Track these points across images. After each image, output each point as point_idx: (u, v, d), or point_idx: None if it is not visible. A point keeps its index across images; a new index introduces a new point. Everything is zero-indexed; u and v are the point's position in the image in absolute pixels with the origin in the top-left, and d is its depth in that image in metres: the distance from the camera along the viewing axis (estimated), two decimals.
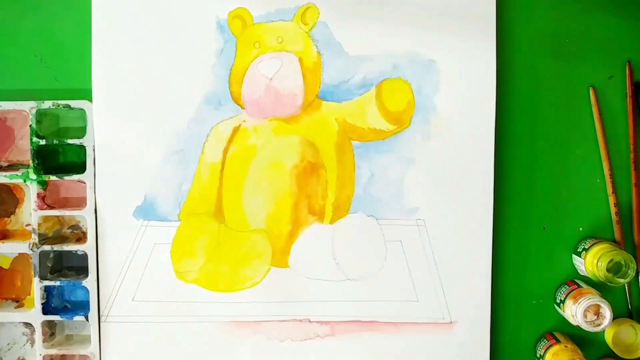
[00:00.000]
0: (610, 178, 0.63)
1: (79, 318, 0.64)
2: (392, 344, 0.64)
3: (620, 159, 0.63)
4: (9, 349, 0.66)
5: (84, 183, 0.63)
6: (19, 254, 0.66)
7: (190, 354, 0.64)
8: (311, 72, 0.63)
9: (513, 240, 0.64)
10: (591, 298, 0.59)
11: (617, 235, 0.63)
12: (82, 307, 0.65)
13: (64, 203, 0.66)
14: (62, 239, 0.66)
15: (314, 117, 0.63)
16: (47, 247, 0.64)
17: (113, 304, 0.64)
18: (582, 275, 0.63)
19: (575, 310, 0.59)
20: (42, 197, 0.64)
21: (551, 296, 0.64)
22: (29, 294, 0.66)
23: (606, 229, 0.64)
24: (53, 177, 0.64)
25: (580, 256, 0.62)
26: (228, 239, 0.64)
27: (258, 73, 0.63)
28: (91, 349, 0.64)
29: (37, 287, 0.64)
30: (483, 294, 0.63)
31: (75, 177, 0.63)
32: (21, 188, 0.66)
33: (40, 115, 0.64)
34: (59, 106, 0.63)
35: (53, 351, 0.65)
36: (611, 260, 0.59)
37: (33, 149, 0.63)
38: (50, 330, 0.65)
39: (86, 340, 0.65)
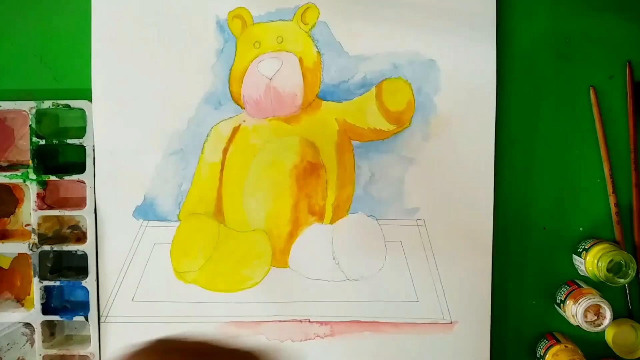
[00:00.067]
0: (610, 178, 0.63)
1: (78, 318, 0.64)
2: (392, 344, 0.64)
3: (620, 159, 0.63)
4: (8, 349, 0.66)
5: (84, 183, 0.63)
6: (19, 254, 0.66)
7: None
8: (311, 72, 0.63)
9: (513, 240, 0.64)
10: (591, 298, 0.59)
11: (617, 235, 0.63)
12: (81, 307, 0.65)
13: (64, 203, 0.66)
14: (61, 239, 0.66)
15: (313, 117, 0.63)
16: (46, 247, 0.64)
17: (113, 304, 0.64)
18: (582, 275, 0.63)
19: (576, 311, 0.59)
20: (41, 197, 0.64)
21: (551, 296, 0.64)
22: (29, 294, 0.66)
23: (606, 229, 0.64)
24: (53, 177, 0.64)
25: (580, 256, 0.62)
26: (228, 239, 0.64)
27: (258, 73, 0.63)
28: (91, 349, 0.64)
29: (36, 287, 0.64)
30: (483, 294, 0.63)
31: (75, 177, 0.63)
32: (21, 188, 0.66)
33: (40, 115, 0.64)
34: (58, 106, 0.63)
35: (53, 351, 0.65)
36: (611, 260, 0.59)
37: (33, 149, 0.63)
38: (50, 330, 0.65)
39: (86, 340, 0.65)
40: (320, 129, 0.63)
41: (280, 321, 0.64)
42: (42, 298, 0.64)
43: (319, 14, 0.63)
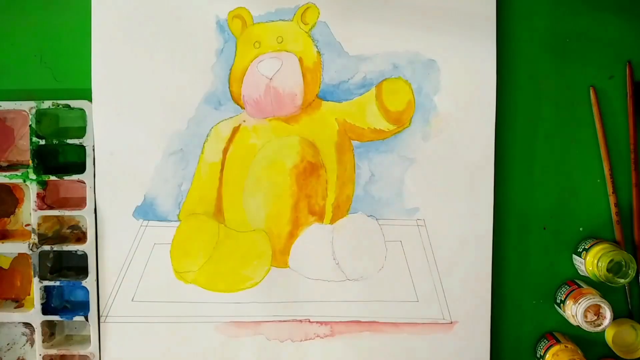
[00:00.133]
0: (610, 178, 0.63)
1: (78, 318, 0.64)
2: (392, 344, 0.64)
3: (620, 159, 0.63)
4: (8, 349, 0.66)
5: (84, 183, 0.63)
6: (19, 254, 0.66)
7: (190, 355, 0.64)
8: (311, 72, 0.63)
9: (513, 240, 0.64)
10: (591, 298, 0.59)
11: (617, 235, 0.63)
12: (81, 307, 0.65)
13: (64, 203, 0.66)
14: (61, 239, 0.66)
15: (313, 117, 0.63)
16: (46, 247, 0.64)
17: (113, 304, 0.64)
18: (582, 275, 0.63)
19: (576, 311, 0.59)
20: (41, 197, 0.64)
21: (551, 296, 0.64)
22: (29, 294, 0.66)
23: (606, 229, 0.64)
24: (53, 177, 0.64)
25: (580, 256, 0.62)
26: (228, 239, 0.64)
27: (258, 73, 0.63)
28: (91, 349, 0.64)
29: (36, 287, 0.64)
30: (483, 294, 0.63)
31: (75, 177, 0.63)
32: (21, 188, 0.66)
33: (40, 115, 0.64)
34: (58, 106, 0.63)
35: (53, 351, 0.65)
36: (611, 260, 0.59)
37: (33, 149, 0.63)
38: (50, 330, 0.65)
39: (86, 340, 0.65)
40: (320, 129, 0.63)
41: (280, 321, 0.64)
42: (42, 298, 0.64)
43: (319, 14, 0.63)
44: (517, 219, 0.64)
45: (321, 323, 0.64)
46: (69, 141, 0.63)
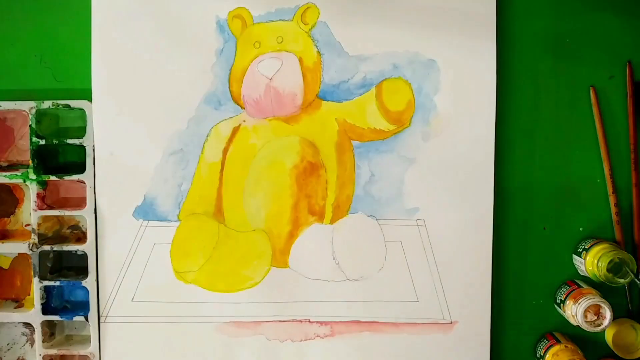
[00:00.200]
0: (610, 178, 0.63)
1: (78, 318, 0.64)
2: (392, 344, 0.64)
3: (620, 159, 0.63)
4: (8, 349, 0.66)
5: (84, 183, 0.63)
6: (19, 254, 0.66)
7: (190, 355, 0.64)
8: (311, 72, 0.63)
9: (513, 240, 0.64)
10: (591, 298, 0.59)
11: (617, 235, 0.63)
12: (81, 307, 0.65)
13: (64, 203, 0.66)
14: (61, 239, 0.66)
15: (313, 117, 0.63)
16: (46, 247, 0.64)
17: (113, 304, 0.64)
18: (582, 275, 0.63)
19: (576, 311, 0.59)
20: (41, 197, 0.64)
21: (551, 296, 0.64)
22: (29, 294, 0.66)
23: (606, 229, 0.64)
24: (53, 177, 0.64)
25: (580, 256, 0.62)
26: (228, 239, 0.64)
27: (258, 73, 0.63)
28: (91, 349, 0.64)
29: (36, 287, 0.64)
30: (483, 294, 0.63)
31: (75, 177, 0.63)
32: (21, 188, 0.66)
33: (40, 115, 0.64)
34: (58, 106, 0.63)
35: (53, 351, 0.65)
36: (611, 260, 0.59)
37: (33, 149, 0.63)
38: (50, 330, 0.65)
39: (86, 340, 0.65)
40: (320, 129, 0.63)
41: (280, 321, 0.64)
42: (42, 298, 0.64)
43: (319, 14, 0.63)
44: (517, 219, 0.64)
45: (321, 323, 0.64)
46: (69, 141, 0.63)
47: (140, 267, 0.64)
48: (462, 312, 0.63)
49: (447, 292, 0.63)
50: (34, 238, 0.64)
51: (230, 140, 0.64)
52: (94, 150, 0.63)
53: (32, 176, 0.63)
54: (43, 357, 0.64)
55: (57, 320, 0.65)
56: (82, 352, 0.64)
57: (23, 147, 0.66)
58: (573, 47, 0.63)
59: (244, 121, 0.64)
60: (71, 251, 0.65)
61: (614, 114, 0.63)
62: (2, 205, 0.66)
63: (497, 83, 0.62)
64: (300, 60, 0.63)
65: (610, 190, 0.63)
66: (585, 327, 0.59)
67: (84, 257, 0.64)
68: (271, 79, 0.63)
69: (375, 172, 0.63)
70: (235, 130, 0.64)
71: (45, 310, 0.64)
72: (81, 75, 0.64)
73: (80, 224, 0.66)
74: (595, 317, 0.60)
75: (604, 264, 0.59)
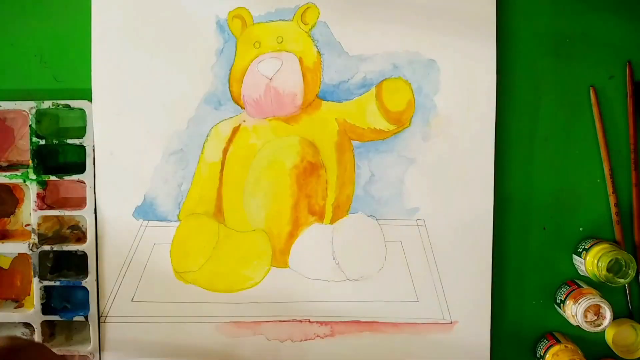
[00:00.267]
0: (610, 178, 0.63)
1: (78, 318, 0.64)
2: (392, 344, 0.64)
3: (620, 159, 0.63)
4: None
5: (84, 183, 0.63)
6: (19, 254, 0.66)
7: (189, 355, 0.64)
8: (311, 72, 0.63)
9: (513, 240, 0.64)
10: (591, 298, 0.59)
11: (617, 235, 0.63)
12: (81, 307, 0.65)
13: (64, 203, 0.66)
14: (61, 239, 0.66)
15: (313, 117, 0.63)
16: (46, 247, 0.64)
17: (113, 304, 0.64)
18: (582, 275, 0.63)
19: (576, 311, 0.59)
20: (41, 197, 0.64)
21: (551, 296, 0.64)
22: (29, 294, 0.66)
23: (606, 229, 0.64)
24: (53, 177, 0.64)
25: (580, 256, 0.62)
26: (228, 239, 0.64)
27: (258, 73, 0.63)
28: (91, 349, 0.64)
29: (36, 287, 0.64)
30: (483, 294, 0.63)
31: (75, 177, 0.63)
32: (21, 188, 0.66)
33: (40, 115, 0.64)
34: (58, 106, 0.63)
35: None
36: (611, 260, 0.59)
37: (33, 149, 0.63)
38: (50, 330, 0.65)
39: (86, 340, 0.65)
40: (320, 129, 0.63)
41: (280, 321, 0.64)
42: (42, 298, 0.64)
43: (319, 14, 0.63)
44: (517, 219, 0.64)
45: (321, 323, 0.64)
46: (69, 141, 0.63)
47: (140, 267, 0.64)
48: (462, 312, 0.63)
49: (447, 292, 0.63)
50: (34, 238, 0.64)
51: (230, 140, 0.64)
52: (94, 150, 0.63)
53: (32, 176, 0.63)
54: None
55: (57, 320, 0.65)
56: (82, 352, 0.64)
57: (23, 147, 0.66)
58: (573, 47, 0.63)
59: (244, 121, 0.64)
60: (71, 251, 0.65)
61: (614, 114, 0.63)
62: (2, 205, 0.66)
63: (497, 83, 0.62)
64: (300, 60, 0.63)
65: (610, 190, 0.63)
66: (585, 327, 0.59)
67: (84, 257, 0.64)
68: (271, 79, 0.63)
69: (375, 172, 0.63)
70: (235, 130, 0.64)
71: (45, 310, 0.64)
72: (81, 75, 0.64)
73: (80, 224, 0.66)
74: (595, 317, 0.60)
75: (604, 264, 0.59)
